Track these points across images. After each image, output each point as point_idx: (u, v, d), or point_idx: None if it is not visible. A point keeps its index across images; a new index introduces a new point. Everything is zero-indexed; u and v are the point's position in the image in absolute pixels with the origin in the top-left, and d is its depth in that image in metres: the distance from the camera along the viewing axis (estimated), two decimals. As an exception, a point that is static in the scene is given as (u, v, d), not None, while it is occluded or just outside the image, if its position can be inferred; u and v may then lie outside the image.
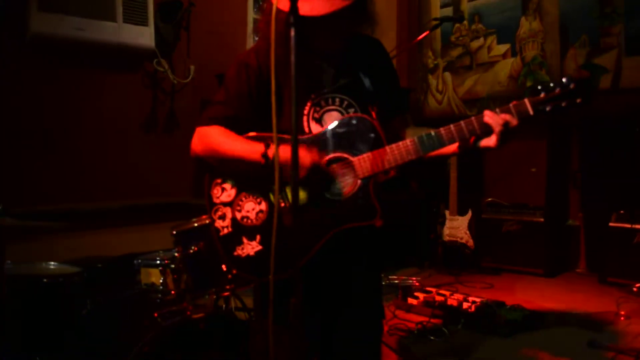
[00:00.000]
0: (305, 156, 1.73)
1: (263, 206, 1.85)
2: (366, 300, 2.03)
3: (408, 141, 1.79)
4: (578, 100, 1.73)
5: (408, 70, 5.92)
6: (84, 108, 3.90)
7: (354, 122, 1.82)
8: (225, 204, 1.89)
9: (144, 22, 3.94)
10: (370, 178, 1.80)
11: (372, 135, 1.80)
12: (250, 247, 1.85)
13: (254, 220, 1.86)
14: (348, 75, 1.90)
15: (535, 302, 3.45)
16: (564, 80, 1.73)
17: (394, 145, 1.80)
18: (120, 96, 4.08)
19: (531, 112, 1.74)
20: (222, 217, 1.89)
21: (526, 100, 1.75)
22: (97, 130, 3.95)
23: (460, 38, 5.49)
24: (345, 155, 1.81)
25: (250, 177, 1.85)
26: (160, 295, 2.67)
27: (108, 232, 3.91)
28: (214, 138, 1.86)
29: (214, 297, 2.74)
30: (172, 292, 2.69)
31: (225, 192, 1.89)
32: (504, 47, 5.14)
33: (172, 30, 4.25)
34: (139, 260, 2.94)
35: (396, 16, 5.83)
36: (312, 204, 1.81)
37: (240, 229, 1.87)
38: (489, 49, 5.25)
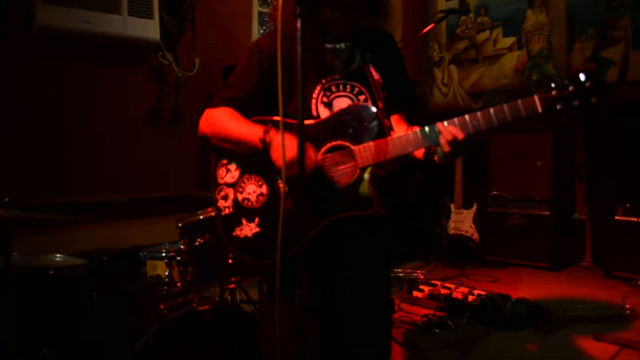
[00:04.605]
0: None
1: (264, 189, 1.87)
2: (374, 292, 2.03)
3: (410, 133, 1.76)
4: (593, 100, 1.58)
5: (414, 63, 5.90)
6: (89, 101, 3.90)
7: (358, 110, 1.81)
8: (228, 185, 1.92)
9: (149, 15, 3.93)
10: (370, 168, 1.79)
11: (375, 124, 1.78)
12: (248, 229, 1.88)
13: (254, 203, 1.88)
14: (360, 63, 1.90)
15: (540, 295, 3.45)
16: (580, 76, 1.58)
17: (395, 136, 1.77)
18: (125, 89, 4.08)
19: (540, 110, 1.61)
20: (225, 198, 1.92)
21: (535, 97, 1.62)
22: (102, 123, 3.96)
23: (466, 31, 5.46)
24: (347, 144, 1.81)
25: (254, 159, 1.86)
26: (166, 288, 2.68)
27: (114, 224, 3.92)
28: (218, 118, 1.91)
29: (220, 289, 2.76)
30: (178, 284, 2.70)
31: (229, 173, 1.92)
32: (510, 40, 5.12)
33: (177, 23, 4.25)
34: (145, 253, 2.95)
35: (402, 9, 5.81)
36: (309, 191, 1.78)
37: (241, 210, 1.89)
38: (495, 41, 5.23)
